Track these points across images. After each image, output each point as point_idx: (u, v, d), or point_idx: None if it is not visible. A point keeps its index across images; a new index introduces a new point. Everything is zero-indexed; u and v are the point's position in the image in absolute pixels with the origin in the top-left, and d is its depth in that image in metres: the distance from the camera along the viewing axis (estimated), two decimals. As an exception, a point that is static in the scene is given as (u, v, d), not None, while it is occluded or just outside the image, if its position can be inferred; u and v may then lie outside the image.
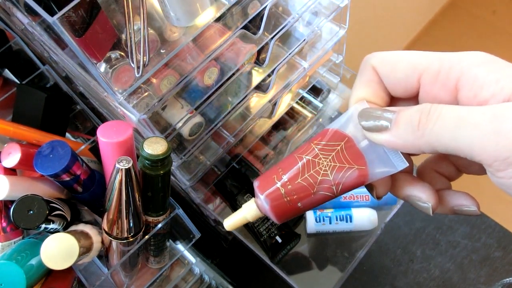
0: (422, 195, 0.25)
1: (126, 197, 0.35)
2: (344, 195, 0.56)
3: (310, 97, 0.63)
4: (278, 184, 0.25)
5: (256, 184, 0.27)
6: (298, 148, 0.26)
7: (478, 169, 0.26)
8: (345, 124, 0.25)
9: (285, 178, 0.25)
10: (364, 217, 0.55)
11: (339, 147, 0.24)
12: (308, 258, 0.56)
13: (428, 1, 1.78)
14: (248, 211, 0.28)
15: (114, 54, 0.35)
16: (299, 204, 0.25)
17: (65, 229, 0.39)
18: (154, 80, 0.38)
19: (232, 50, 0.41)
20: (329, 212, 0.55)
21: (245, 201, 0.54)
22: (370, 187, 0.26)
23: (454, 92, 0.22)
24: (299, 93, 0.57)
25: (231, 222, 0.29)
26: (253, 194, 0.55)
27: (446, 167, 0.28)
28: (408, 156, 0.26)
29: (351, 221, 0.54)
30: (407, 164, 0.24)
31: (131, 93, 0.36)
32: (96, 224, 0.42)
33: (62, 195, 0.41)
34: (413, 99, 0.25)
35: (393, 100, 0.26)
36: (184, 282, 0.57)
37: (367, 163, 0.24)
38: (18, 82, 0.54)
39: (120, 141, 0.36)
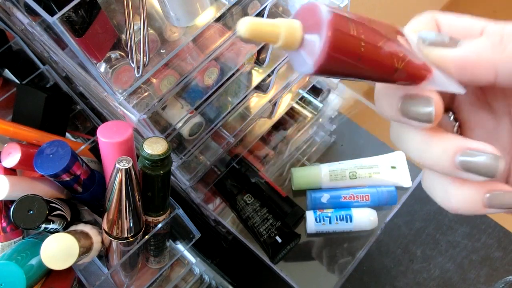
0: (484, 147, 0.18)
1: (126, 197, 0.35)
2: (344, 195, 0.56)
3: (310, 97, 0.63)
4: (347, 15, 0.18)
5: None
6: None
7: None
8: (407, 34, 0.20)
9: (356, 19, 0.18)
10: (364, 217, 0.55)
11: (405, 41, 0.19)
12: (308, 258, 0.56)
13: (428, 1, 1.78)
14: (287, 26, 0.18)
15: (114, 54, 0.35)
16: (361, 47, 0.18)
17: (65, 229, 0.39)
18: (154, 80, 0.38)
19: (232, 50, 0.41)
20: (329, 212, 0.55)
21: (245, 202, 0.55)
22: (423, 100, 0.19)
23: None
24: (299, 93, 0.57)
25: (255, 24, 0.18)
26: (253, 194, 0.55)
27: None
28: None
29: (351, 221, 0.54)
30: (466, 90, 0.19)
31: (131, 93, 0.36)
32: (96, 224, 0.42)
33: (62, 195, 0.41)
34: None
35: None
36: (184, 282, 0.57)
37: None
38: (18, 82, 0.54)
39: (120, 141, 0.36)
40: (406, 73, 0.19)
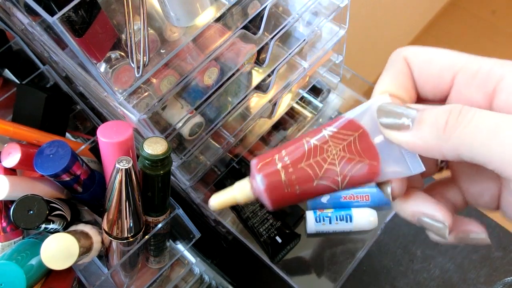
0: (437, 213, 0.22)
1: (126, 197, 0.35)
2: (344, 194, 0.56)
3: (310, 97, 0.63)
4: (279, 166, 0.22)
5: (254, 162, 0.23)
6: (307, 132, 0.23)
7: (489, 201, 0.23)
8: (361, 115, 0.22)
9: (287, 160, 0.22)
10: (364, 217, 0.55)
11: (351, 138, 0.22)
12: (308, 258, 0.56)
13: (428, 1, 1.78)
14: (240, 191, 0.24)
15: (114, 54, 0.35)
16: (297, 191, 0.22)
17: (65, 229, 0.39)
18: (154, 80, 0.38)
19: (232, 50, 0.41)
20: (329, 212, 0.55)
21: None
22: (383, 186, 0.23)
23: (491, 96, 0.20)
24: (299, 93, 0.57)
25: (218, 200, 0.25)
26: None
27: (454, 195, 0.25)
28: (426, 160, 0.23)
29: (351, 221, 0.54)
30: (424, 169, 0.22)
31: (131, 93, 0.36)
32: (96, 224, 0.42)
33: (62, 195, 0.41)
34: (442, 101, 0.23)
35: (419, 101, 0.23)
36: (184, 282, 0.57)
37: (380, 159, 0.22)
38: (18, 82, 0.54)
39: (120, 141, 0.36)
40: (353, 184, 0.22)
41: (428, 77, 0.22)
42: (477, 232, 0.23)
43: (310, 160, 0.22)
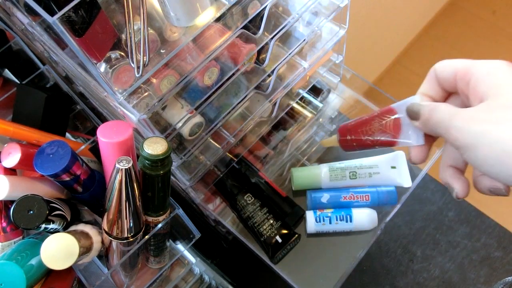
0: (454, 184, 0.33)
1: (126, 197, 0.35)
2: (344, 195, 0.56)
3: (310, 97, 0.63)
4: (349, 126, 0.42)
5: (338, 128, 0.44)
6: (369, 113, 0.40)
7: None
8: (399, 106, 0.36)
9: (351, 124, 0.41)
10: (364, 217, 0.55)
11: (388, 119, 0.37)
12: (308, 258, 0.56)
13: (428, 1, 1.78)
14: (333, 140, 0.46)
15: (114, 54, 0.35)
16: (354, 144, 0.41)
17: (65, 229, 0.39)
18: (154, 80, 0.38)
19: (232, 50, 0.41)
20: (329, 212, 0.55)
21: (245, 201, 0.55)
22: (409, 153, 0.37)
23: (468, 85, 0.30)
24: (299, 93, 0.57)
25: (325, 141, 0.49)
26: (253, 194, 0.55)
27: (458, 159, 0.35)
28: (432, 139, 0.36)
29: (351, 221, 0.54)
30: (423, 143, 0.35)
31: (131, 93, 0.36)
32: (96, 224, 0.42)
33: (62, 195, 0.42)
34: (458, 94, 0.33)
35: (446, 94, 0.35)
36: (184, 282, 0.57)
37: (401, 134, 0.37)
38: (18, 82, 0.54)
39: (120, 141, 0.36)
40: (382, 145, 0.39)
41: (443, 79, 0.33)
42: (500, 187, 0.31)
43: (362, 127, 0.40)
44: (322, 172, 0.57)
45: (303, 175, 0.58)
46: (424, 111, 0.33)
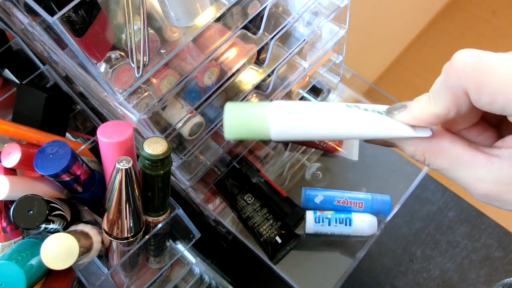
0: None
1: (126, 197, 0.35)
2: (338, 198, 0.55)
3: (310, 97, 0.63)
4: None
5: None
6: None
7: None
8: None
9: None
10: (364, 222, 0.54)
11: None
12: (308, 258, 0.56)
13: (428, 1, 1.78)
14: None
15: (114, 54, 0.35)
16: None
17: (65, 229, 0.39)
18: (154, 80, 0.38)
19: (232, 50, 0.41)
20: (329, 214, 0.54)
21: (246, 201, 0.55)
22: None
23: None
24: (299, 93, 0.57)
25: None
26: (253, 194, 0.55)
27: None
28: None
29: (350, 225, 0.54)
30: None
31: (131, 93, 0.36)
32: (96, 224, 0.42)
33: (62, 195, 0.42)
34: None
35: None
36: (184, 282, 0.57)
37: None
38: (18, 82, 0.54)
39: (120, 141, 0.36)
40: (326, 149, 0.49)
41: None
42: None
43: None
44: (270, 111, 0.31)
45: (241, 115, 0.29)
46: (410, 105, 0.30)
